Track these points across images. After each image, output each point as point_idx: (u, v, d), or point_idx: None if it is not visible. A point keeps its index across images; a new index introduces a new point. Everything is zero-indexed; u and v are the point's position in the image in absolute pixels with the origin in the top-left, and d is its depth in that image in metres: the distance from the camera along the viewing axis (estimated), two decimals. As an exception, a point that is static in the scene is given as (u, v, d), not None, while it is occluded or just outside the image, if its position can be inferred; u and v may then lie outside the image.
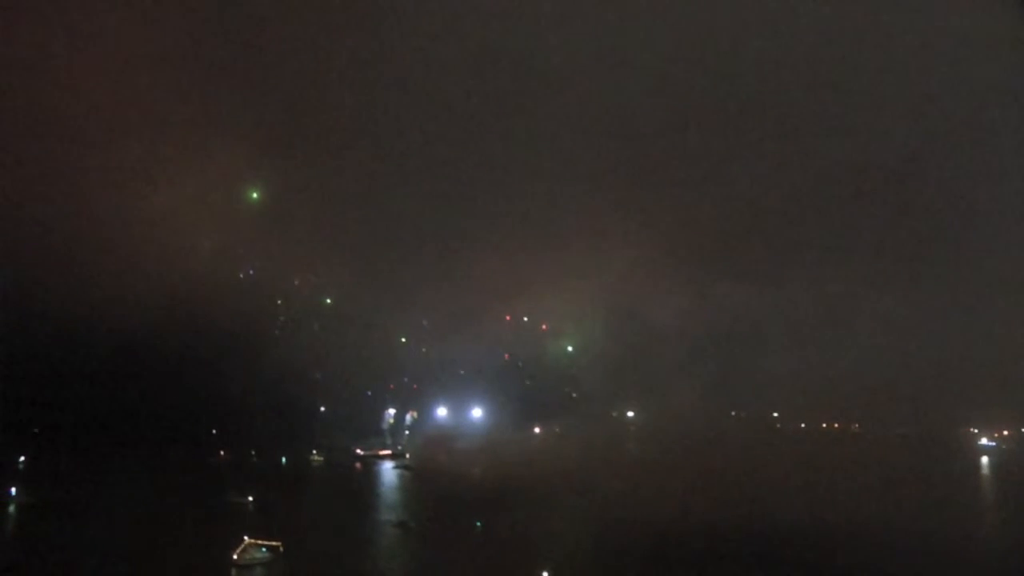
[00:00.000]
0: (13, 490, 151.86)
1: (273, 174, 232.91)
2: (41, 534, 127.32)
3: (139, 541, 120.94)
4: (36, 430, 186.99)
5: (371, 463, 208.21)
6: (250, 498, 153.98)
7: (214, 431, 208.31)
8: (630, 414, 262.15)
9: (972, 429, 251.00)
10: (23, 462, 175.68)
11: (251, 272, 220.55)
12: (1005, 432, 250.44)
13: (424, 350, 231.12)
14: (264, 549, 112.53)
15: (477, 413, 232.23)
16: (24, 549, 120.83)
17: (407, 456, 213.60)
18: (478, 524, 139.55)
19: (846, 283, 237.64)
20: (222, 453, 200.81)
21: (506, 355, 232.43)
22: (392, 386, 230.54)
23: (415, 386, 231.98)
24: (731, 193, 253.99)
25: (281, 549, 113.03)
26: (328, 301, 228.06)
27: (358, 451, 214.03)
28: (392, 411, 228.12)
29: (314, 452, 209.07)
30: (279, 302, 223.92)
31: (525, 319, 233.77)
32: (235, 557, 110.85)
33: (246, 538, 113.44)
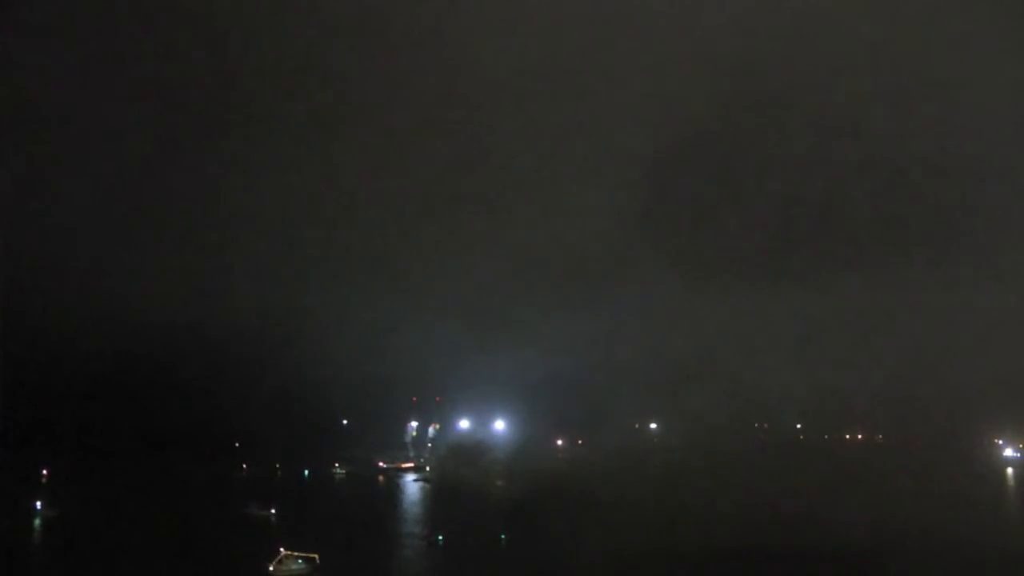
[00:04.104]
0: (38, 503, 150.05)
1: (306, 187, 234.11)
2: (70, 548, 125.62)
3: (170, 554, 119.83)
4: (59, 444, 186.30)
5: (394, 476, 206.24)
6: (273, 511, 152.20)
7: (237, 444, 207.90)
8: (653, 426, 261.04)
9: (997, 440, 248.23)
10: (46, 476, 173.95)
11: (274, 288, 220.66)
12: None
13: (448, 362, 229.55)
14: (300, 561, 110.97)
15: (500, 425, 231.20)
16: (56, 563, 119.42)
17: (427, 469, 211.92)
18: (503, 537, 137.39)
19: (871, 294, 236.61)
20: (244, 466, 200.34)
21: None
22: (415, 399, 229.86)
23: (438, 398, 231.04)
24: (755, 207, 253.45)
25: (317, 561, 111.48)
26: (350, 315, 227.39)
27: (380, 464, 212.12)
28: (415, 424, 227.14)
29: (336, 465, 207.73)
30: (302, 317, 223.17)
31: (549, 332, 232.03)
32: (271, 569, 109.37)
33: (282, 550, 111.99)
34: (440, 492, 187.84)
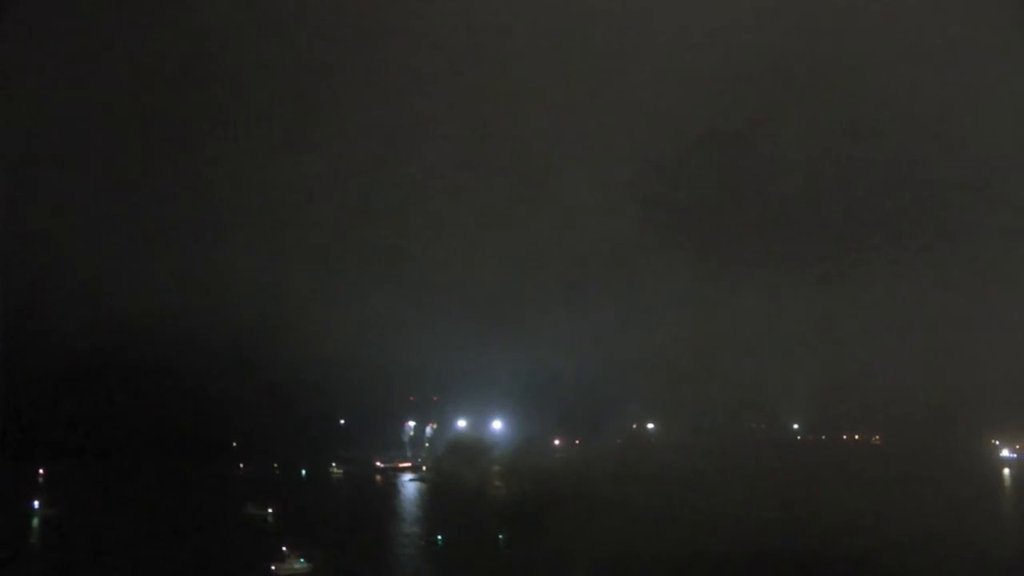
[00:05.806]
0: (36, 503, 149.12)
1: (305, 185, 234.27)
2: (70, 547, 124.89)
3: (169, 553, 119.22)
4: (56, 443, 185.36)
5: (391, 476, 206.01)
6: (271, 510, 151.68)
7: (235, 444, 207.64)
8: (650, 426, 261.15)
9: (994, 440, 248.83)
10: (43, 475, 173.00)
11: (271, 287, 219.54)
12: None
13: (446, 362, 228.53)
14: (302, 560, 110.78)
15: (497, 425, 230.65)
16: (55, 563, 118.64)
17: (424, 469, 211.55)
18: (500, 537, 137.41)
19: (870, 295, 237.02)
20: (242, 466, 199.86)
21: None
22: (412, 398, 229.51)
23: (435, 398, 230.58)
24: (756, 207, 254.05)
25: (319, 560, 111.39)
26: (348, 314, 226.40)
27: (378, 463, 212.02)
28: (412, 423, 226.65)
29: (334, 465, 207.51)
30: (299, 317, 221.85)
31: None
32: (274, 568, 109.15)
33: (284, 548, 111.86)
34: (437, 492, 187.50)
